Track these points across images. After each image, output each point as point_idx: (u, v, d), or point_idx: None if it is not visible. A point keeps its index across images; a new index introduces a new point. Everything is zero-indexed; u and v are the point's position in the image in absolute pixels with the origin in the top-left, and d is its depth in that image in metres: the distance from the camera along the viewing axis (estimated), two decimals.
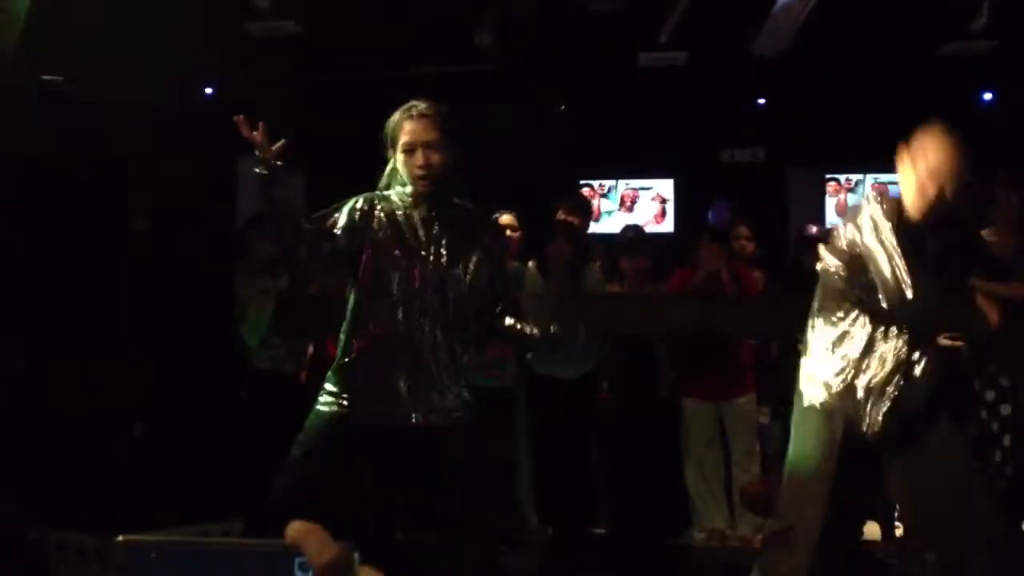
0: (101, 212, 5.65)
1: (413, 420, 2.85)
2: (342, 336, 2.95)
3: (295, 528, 0.77)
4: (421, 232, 2.93)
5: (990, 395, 4.66)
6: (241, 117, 2.82)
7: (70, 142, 5.41)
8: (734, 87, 7.52)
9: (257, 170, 2.82)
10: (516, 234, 5.37)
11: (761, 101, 7.94)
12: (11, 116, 4.70)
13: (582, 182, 8.45)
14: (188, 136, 5.96)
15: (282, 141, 2.84)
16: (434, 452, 2.86)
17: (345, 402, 2.86)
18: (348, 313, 2.94)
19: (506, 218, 5.36)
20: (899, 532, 5.00)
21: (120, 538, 0.73)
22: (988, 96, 7.78)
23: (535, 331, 3.05)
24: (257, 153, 2.81)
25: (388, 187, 3.02)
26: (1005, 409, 4.63)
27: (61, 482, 4.52)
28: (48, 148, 5.22)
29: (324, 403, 2.89)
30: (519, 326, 3.04)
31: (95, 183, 5.61)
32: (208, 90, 7.03)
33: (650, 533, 5.11)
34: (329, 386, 2.91)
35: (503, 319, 3.03)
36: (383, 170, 3.06)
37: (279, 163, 2.82)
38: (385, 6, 6.11)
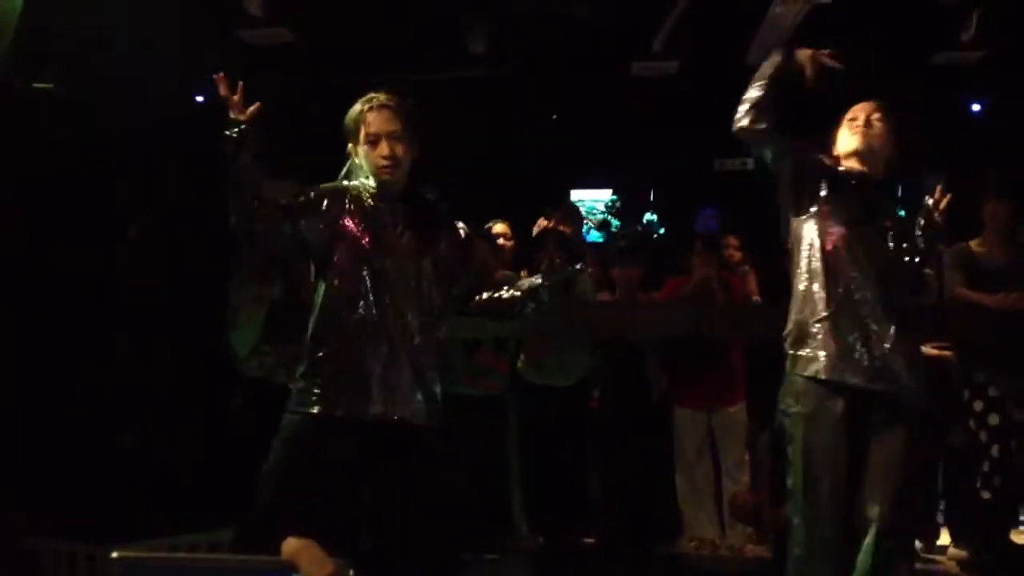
0: (94, 219, 5.64)
1: (393, 415, 2.81)
2: (311, 330, 2.87)
3: (291, 544, 0.78)
4: (389, 223, 2.91)
5: (978, 405, 4.68)
6: (220, 75, 2.77)
7: (64, 147, 5.40)
8: (726, 96, 7.53)
9: (227, 132, 2.74)
10: (509, 243, 5.39)
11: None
12: (4, 120, 4.70)
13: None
14: (180, 143, 5.95)
15: (256, 104, 2.77)
16: (401, 449, 2.83)
17: (317, 399, 2.80)
18: (317, 306, 2.88)
19: (499, 227, 5.37)
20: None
21: (115, 554, 0.74)
22: (977, 106, 7.82)
23: (515, 293, 3.05)
24: (231, 114, 2.75)
25: (348, 179, 2.99)
26: (993, 419, 4.65)
27: (51, 490, 4.50)
28: (42, 153, 5.21)
29: (298, 403, 2.83)
30: (497, 295, 3.06)
31: (89, 188, 5.60)
32: (200, 97, 7.02)
33: (640, 542, 5.11)
34: (302, 384, 2.84)
35: (478, 296, 3.06)
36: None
37: (251, 126, 2.75)
38: (378, 13, 6.12)
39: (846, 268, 3.11)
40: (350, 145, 2.97)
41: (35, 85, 5.54)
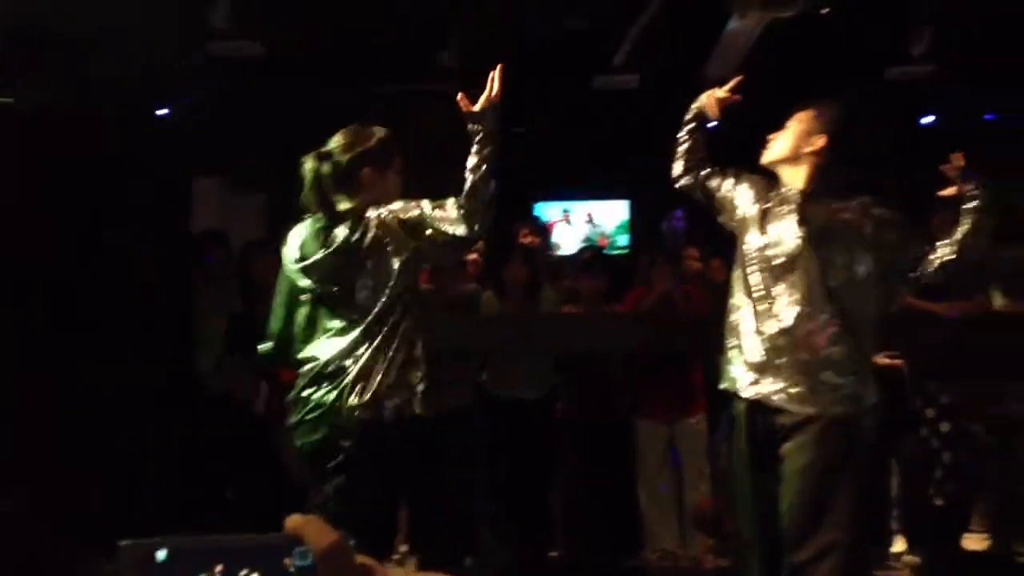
0: (55, 231, 5.62)
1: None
2: (423, 342, 3.20)
3: (294, 520, 0.84)
4: None
5: (930, 413, 4.77)
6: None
7: (25, 158, 5.39)
8: (686, 109, 7.63)
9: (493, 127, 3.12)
10: (478, 257, 5.43)
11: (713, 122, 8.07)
12: None
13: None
14: (145, 154, 5.95)
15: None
16: None
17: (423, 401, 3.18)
18: (414, 316, 3.18)
19: None
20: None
21: (124, 542, 0.82)
22: (929, 119, 7.98)
23: None
24: (484, 108, 3.11)
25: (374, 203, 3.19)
26: (944, 426, 4.74)
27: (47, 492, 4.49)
28: (17, 163, 5.20)
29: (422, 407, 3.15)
30: None
31: (49, 201, 5.59)
32: (164, 110, 7.02)
33: (603, 554, 5.16)
34: (421, 392, 3.16)
35: None
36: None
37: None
38: (346, 26, 6.15)
39: (740, 282, 3.27)
40: (370, 170, 3.21)
41: None
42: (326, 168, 3.20)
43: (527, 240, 5.83)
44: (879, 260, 3.18)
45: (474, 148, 3.11)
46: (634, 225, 8.78)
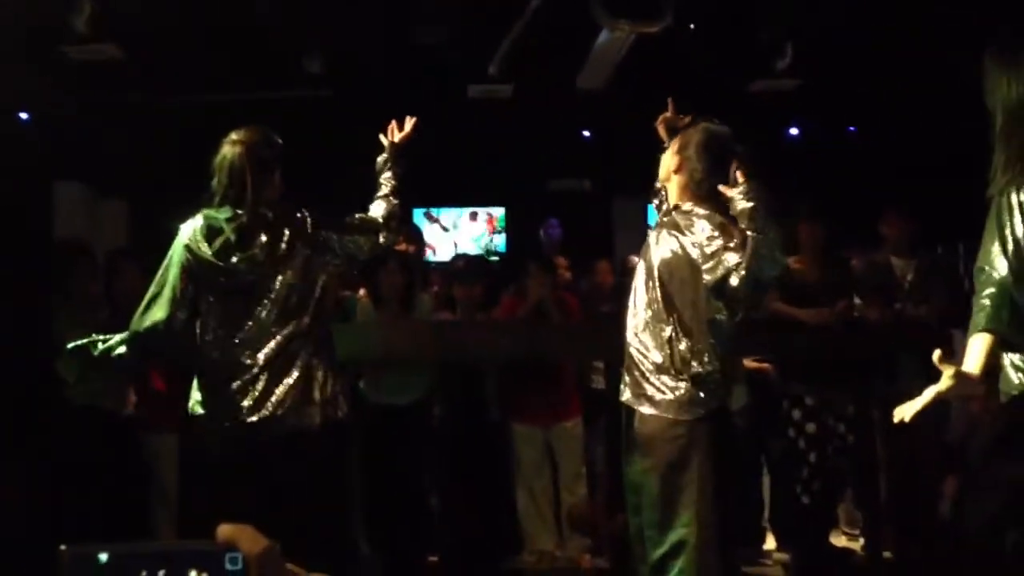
0: None
1: None
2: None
3: (226, 529, 0.86)
4: None
5: (796, 414, 4.93)
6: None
7: None
8: (560, 119, 7.75)
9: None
10: None
11: (586, 133, 8.22)
12: None
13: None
14: (3, 160, 5.71)
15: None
16: None
17: None
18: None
19: None
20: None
21: (63, 547, 0.84)
22: (794, 131, 8.29)
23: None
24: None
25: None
26: (810, 427, 4.90)
27: None
28: None
29: None
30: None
31: None
32: (24, 115, 6.75)
33: (482, 558, 5.17)
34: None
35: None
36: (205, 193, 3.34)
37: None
38: (209, 31, 6.02)
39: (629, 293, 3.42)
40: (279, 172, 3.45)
41: None
42: (250, 159, 3.27)
43: (402, 247, 5.81)
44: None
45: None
46: (509, 231, 8.84)
